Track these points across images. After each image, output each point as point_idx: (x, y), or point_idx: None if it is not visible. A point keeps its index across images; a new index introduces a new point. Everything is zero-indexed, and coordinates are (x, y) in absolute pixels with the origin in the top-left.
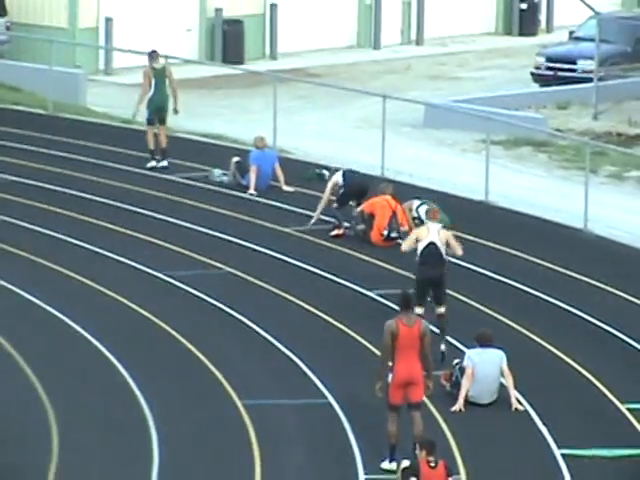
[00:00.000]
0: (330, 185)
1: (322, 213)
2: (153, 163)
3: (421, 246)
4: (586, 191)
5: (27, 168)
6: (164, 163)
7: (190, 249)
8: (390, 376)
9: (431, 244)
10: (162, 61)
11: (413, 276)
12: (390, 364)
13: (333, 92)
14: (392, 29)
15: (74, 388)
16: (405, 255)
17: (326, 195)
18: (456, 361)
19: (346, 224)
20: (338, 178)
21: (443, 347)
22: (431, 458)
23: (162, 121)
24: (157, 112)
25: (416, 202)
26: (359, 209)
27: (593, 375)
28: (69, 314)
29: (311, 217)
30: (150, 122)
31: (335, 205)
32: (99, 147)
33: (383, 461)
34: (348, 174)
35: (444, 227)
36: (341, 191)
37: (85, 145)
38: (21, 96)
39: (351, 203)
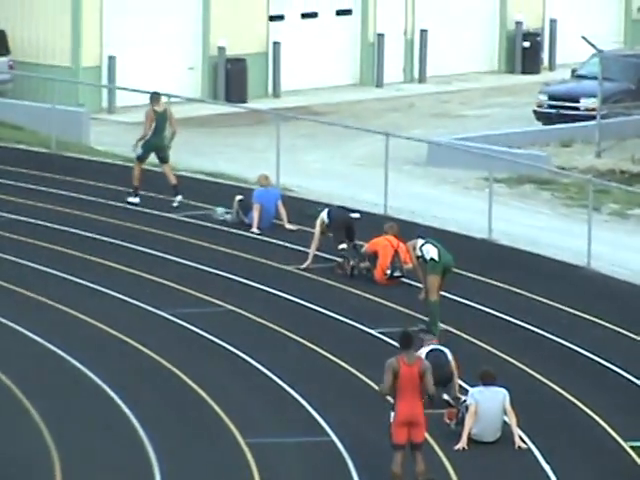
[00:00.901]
0: (318, 223)
1: (318, 250)
2: (136, 199)
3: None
4: (589, 229)
5: (29, 207)
6: (179, 198)
7: (192, 287)
8: (392, 415)
9: (432, 350)
10: (163, 104)
11: (415, 314)
12: (392, 401)
13: (336, 130)
14: (395, 67)
15: (76, 426)
16: (407, 294)
17: (316, 234)
18: (463, 398)
19: (352, 262)
20: (324, 216)
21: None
22: None
23: (163, 159)
24: (155, 152)
25: (420, 241)
26: (363, 249)
27: (596, 413)
28: (71, 353)
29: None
30: (140, 159)
31: (340, 247)
32: (102, 186)
33: None
34: (333, 211)
35: (448, 270)
36: (330, 228)
37: (88, 184)
38: (24, 135)
39: (359, 243)
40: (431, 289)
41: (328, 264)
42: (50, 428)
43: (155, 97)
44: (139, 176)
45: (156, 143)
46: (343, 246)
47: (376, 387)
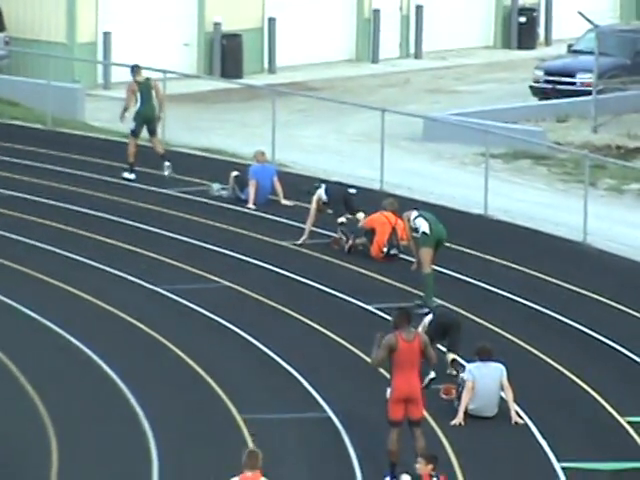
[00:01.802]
0: (315, 199)
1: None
2: (132, 176)
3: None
4: (585, 204)
5: (25, 183)
6: (167, 164)
7: (188, 263)
8: (389, 391)
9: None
10: (143, 75)
11: (411, 289)
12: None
13: (332, 106)
14: (391, 43)
15: (72, 402)
16: (403, 269)
17: (312, 211)
18: (460, 374)
19: (350, 241)
20: (321, 193)
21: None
22: (433, 473)
23: (152, 132)
24: (146, 124)
25: (414, 213)
26: (360, 224)
27: (593, 388)
28: (67, 328)
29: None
30: (134, 133)
31: (339, 220)
32: (98, 162)
33: (385, 477)
34: (330, 187)
35: (441, 242)
36: (329, 205)
37: (84, 160)
38: (20, 111)
39: (358, 216)
40: (424, 262)
41: (324, 240)
42: (46, 405)
43: (135, 69)
44: (134, 152)
45: (146, 113)
46: (342, 220)
47: (368, 359)
